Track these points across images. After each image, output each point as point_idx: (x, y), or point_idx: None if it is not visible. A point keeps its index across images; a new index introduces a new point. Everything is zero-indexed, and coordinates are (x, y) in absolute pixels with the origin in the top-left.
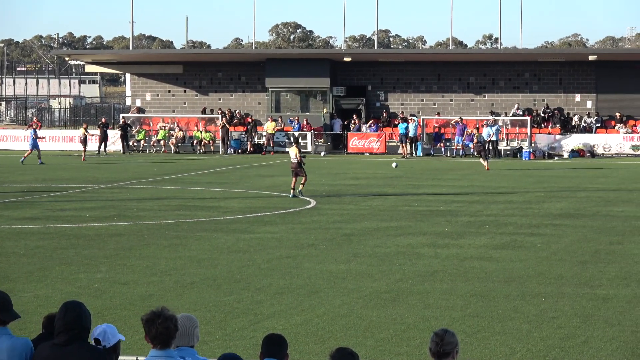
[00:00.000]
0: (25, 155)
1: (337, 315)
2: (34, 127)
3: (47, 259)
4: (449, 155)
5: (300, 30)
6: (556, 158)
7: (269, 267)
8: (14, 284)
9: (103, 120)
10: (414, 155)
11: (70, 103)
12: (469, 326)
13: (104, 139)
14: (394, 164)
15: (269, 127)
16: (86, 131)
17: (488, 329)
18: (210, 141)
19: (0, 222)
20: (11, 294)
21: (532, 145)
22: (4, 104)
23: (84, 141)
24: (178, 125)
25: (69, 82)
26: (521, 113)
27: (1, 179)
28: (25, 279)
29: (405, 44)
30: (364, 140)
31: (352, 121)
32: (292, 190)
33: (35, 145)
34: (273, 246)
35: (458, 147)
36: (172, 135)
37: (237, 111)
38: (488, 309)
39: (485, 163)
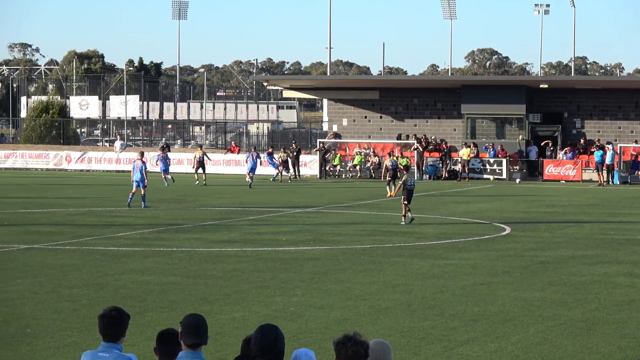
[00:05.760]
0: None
1: (532, 344)
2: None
3: (243, 282)
4: None
5: (496, 56)
6: None
7: (463, 293)
8: (212, 306)
9: (294, 145)
10: (610, 183)
11: (268, 128)
12: None
13: (294, 163)
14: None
15: (464, 153)
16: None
17: None
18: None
19: (198, 245)
20: (208, 316)
21: None
22: (204, 128)
23: (284, 163)
24: (374, 151)
25: (267, 107)
26: None
27: (200, 202)
28: (222, 301)
29: (603, 71)
30: (560, 167)
31: (548, 147)
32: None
33: None
34: (467, 273)
35: None
36: (368, 161)
37: (432, 137)
38: None
39: (389, 189)
